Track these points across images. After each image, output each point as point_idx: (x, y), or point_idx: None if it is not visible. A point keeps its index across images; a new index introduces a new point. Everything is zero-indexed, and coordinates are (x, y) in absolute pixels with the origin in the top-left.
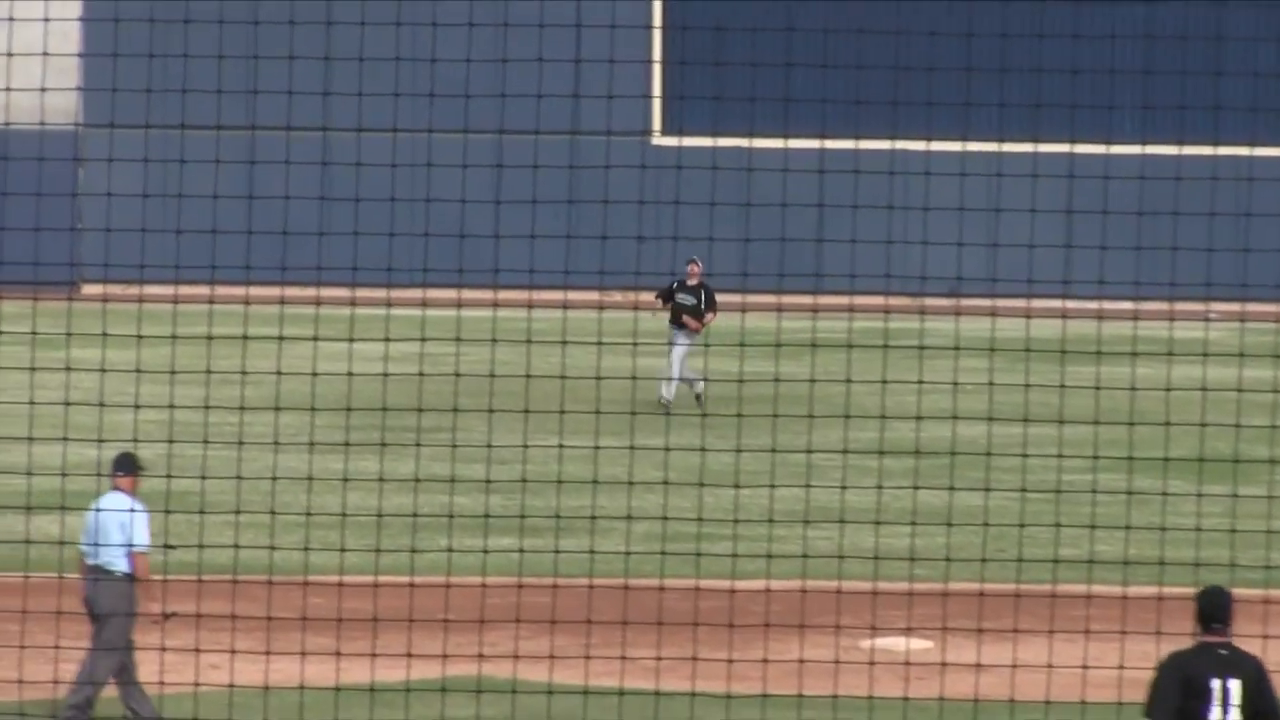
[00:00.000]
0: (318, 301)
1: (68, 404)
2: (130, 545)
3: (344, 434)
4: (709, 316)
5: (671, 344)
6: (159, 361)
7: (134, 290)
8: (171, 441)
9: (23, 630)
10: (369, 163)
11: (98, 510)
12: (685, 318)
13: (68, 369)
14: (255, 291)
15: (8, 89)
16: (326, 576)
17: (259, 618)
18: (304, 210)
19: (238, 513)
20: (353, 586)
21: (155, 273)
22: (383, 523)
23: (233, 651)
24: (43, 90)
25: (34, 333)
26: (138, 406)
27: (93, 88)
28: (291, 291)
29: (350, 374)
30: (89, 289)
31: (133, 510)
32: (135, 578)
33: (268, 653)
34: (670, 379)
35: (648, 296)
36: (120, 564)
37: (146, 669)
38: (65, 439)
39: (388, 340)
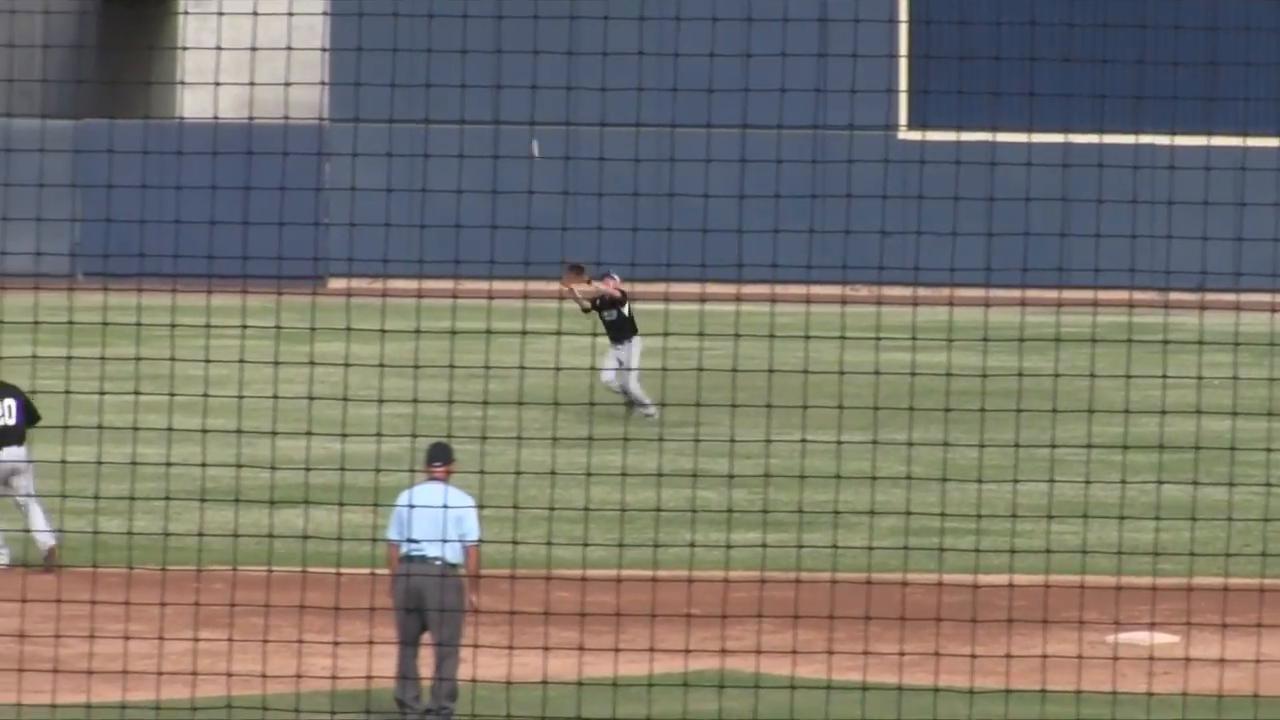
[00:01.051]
0: (560, 296)
1: (311, 398)
2: (465, 539)
3: (588, 428)
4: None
5: (624, 366)
6: (403, 356)
7: (378, 285)
8: (415, 436)
9: (266, 625)
10: (612, 157)
11: (408, 505)
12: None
13: (311, 363)
14: (499, 286)
15: (252, 83)
16: (570, 570)
17: (502, 612)
18: (548, 205)
19: (481, 507)
20: (596, 580)
21: (399, 267)
22: (626, 517)
23: (475, 646)
24: (287, 85)
25: (278, 327)
26: (381, 401)
27: (338, 82)
28: (535, 286)
29: (593, 368)
30: (334, 284)
31: (473, 506)
32: (467, 571)
33: (510, 647)
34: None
35: (891, 291)
36: (456, 558)
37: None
38: (309, 433)
39: (666, 335)
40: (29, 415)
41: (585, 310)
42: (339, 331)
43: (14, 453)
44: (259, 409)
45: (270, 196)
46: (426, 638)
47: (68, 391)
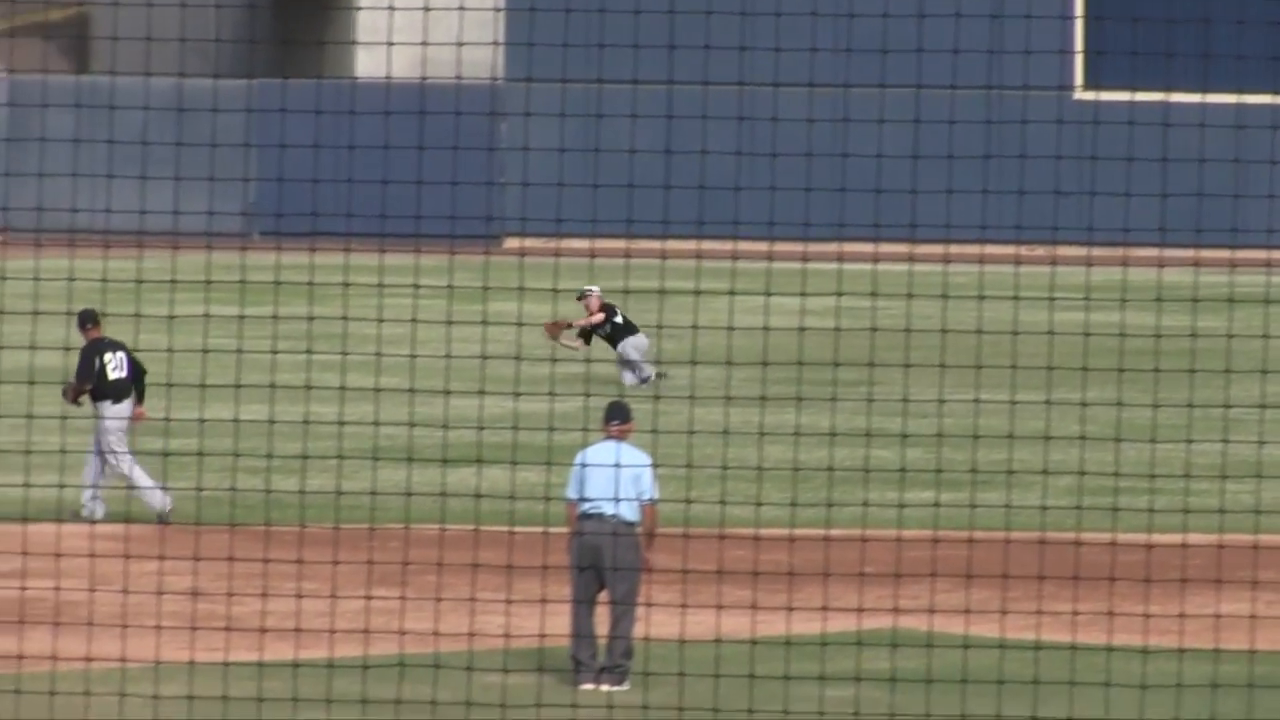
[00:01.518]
0: (734, 256)
1: (485, 357)
2: (642, 498)
3: (760, 387)
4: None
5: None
6: (576, 315)
7: (552, 244)
8: (588, 395)
9: (439, 583)
10: (786, 118)
11: (583, 464)
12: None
13: (485, 322)
14: (672, 245)
15: (425, 43)
16: (743, 529)
17: (676, 571)
18: (720, 165)
19: (655, 466)
20: (770, 539)
21: (573, 226)
22: (800, 476)
23: (649, 604)
24: (459, 44)
25: (451, 286)
26: (554, 360)
27: (512, 42)
28: (708, 245)
29: (766, 328)
30: (508, 243)
31: (650, 465)
32: (644, 530)
33: (684, 606)
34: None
35: (1066, 251)
36: (633, 516)
37: (561, 621)
38: (482, 392)
39: (804, 295)
40: (136, 370)
41: (586, 345)
42: (512, 290)
43: (126, 407)
44: (432, 368)
45: (444, 156)
46: (603, 596)
47: (239, 351)
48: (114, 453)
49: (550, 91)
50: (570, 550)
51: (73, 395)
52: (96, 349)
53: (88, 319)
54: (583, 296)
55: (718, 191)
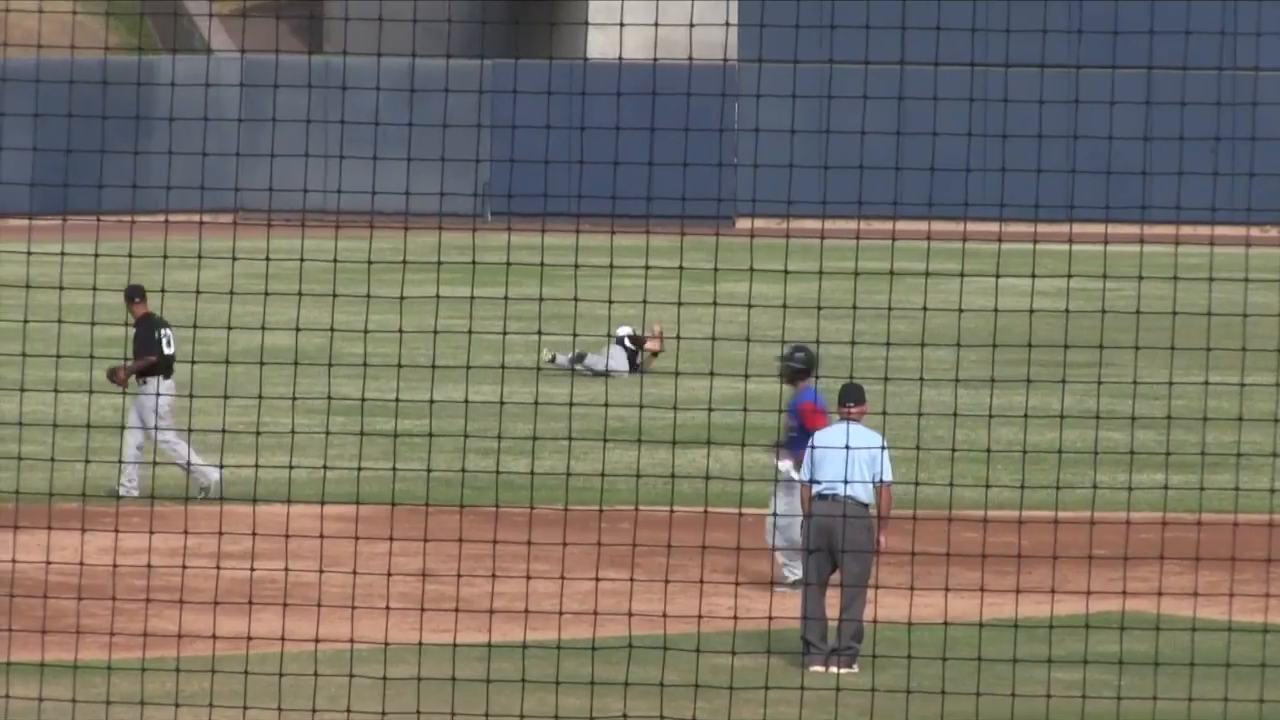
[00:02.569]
0: (964, 237)
1: (715, 339)
2: (877, 479)
3: (989, 369)
4: None
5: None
6: (807, 296)
7: (783, 225)
8: (818, 377)
9: (668, 564)
10: (1017, 99)
11: (816, 446)
12: None
13: (715, 304)
14: (902, 226)
15: (656, 24)
16: (972, 511)
17: (904, 553)
18: (951, 146)
19: (884, 448)
20: (998, 521)
21: (804, 207)
22: (1029, 458)
23: (878, 586)
24: (691, 25)
25: (682, 267)
26: (784, 342)
27: (744, 24)
28: (939, 226)
29: (996, 310)
30: (740, 223)
31: (884, 447)
32: (878, 511)
33: (912, 588)
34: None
35: None
36: (867, 497)
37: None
38: (712, 374)
39: (1034, 276)
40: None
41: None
42: (743, 271)
43: (173, 384)
44: (688, 350)
45: (675, 137)
46: (834, 578)
47: (470, 331)
48: (166, 429)
49: (782, 72)
50: (803, 532)
51: (132, 373)
52: (153, 324)
53: (136, 294)
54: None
55: (949, 173)
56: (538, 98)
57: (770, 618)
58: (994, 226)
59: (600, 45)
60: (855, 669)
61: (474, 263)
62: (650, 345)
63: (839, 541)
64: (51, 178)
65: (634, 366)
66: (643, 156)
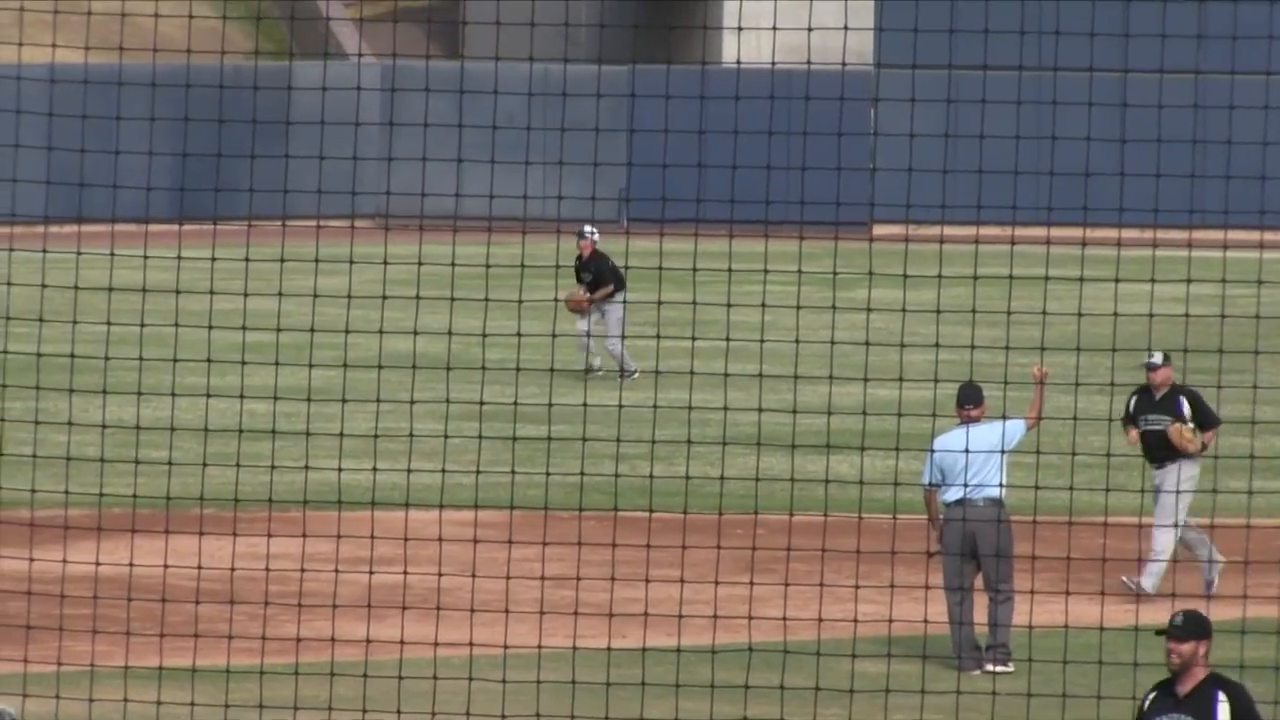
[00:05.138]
0: (1118, 242)
1: (869, 344)
2: (1001, 484)
3: (1109, 374)
4: (603, 292)
5: (604, 333)
6: (956, 302)
7: (930, 231)
8: (936, 381)
9: (821, 570)
10: (1170, 104)
11: (933, 450)
12: (595, 294)
13: (869, 309)
14: (1055, 233)
15: (809, 28)
16: (1127, 517)
17: (1058, 557)
18: (1104, 152)
19: (1038, 453)
20: (1118, 527)
21: (952, 213)
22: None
23: (1032, 592)
24: (839, 29)
25: (835, 273)
26: (938, 345)
27: (888, 28)
28: (1093, 234)
29: (1151, 315)
30: (883, 229)
31: (1001, 451)
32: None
33: (1066, 593)
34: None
35: None
36: (1002, 497)
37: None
38: (866, 379)
39: (1189, 281)
40: None
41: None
42: (892, 277)
43: None
44: (813, 354)
45: (815, 141)
46: (979, 582)
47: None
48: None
49: (926, 77)
50: (941, 537)
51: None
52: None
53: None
54: (580, 236)
55: (1102, 178)
56: (677, 102)
57: (925, 622)
58: (1147, 233)
59: (745, 50)
60: (1010, 668)
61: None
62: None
63: (981, 545)
64: (198, 183)
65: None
66: (783, 161)
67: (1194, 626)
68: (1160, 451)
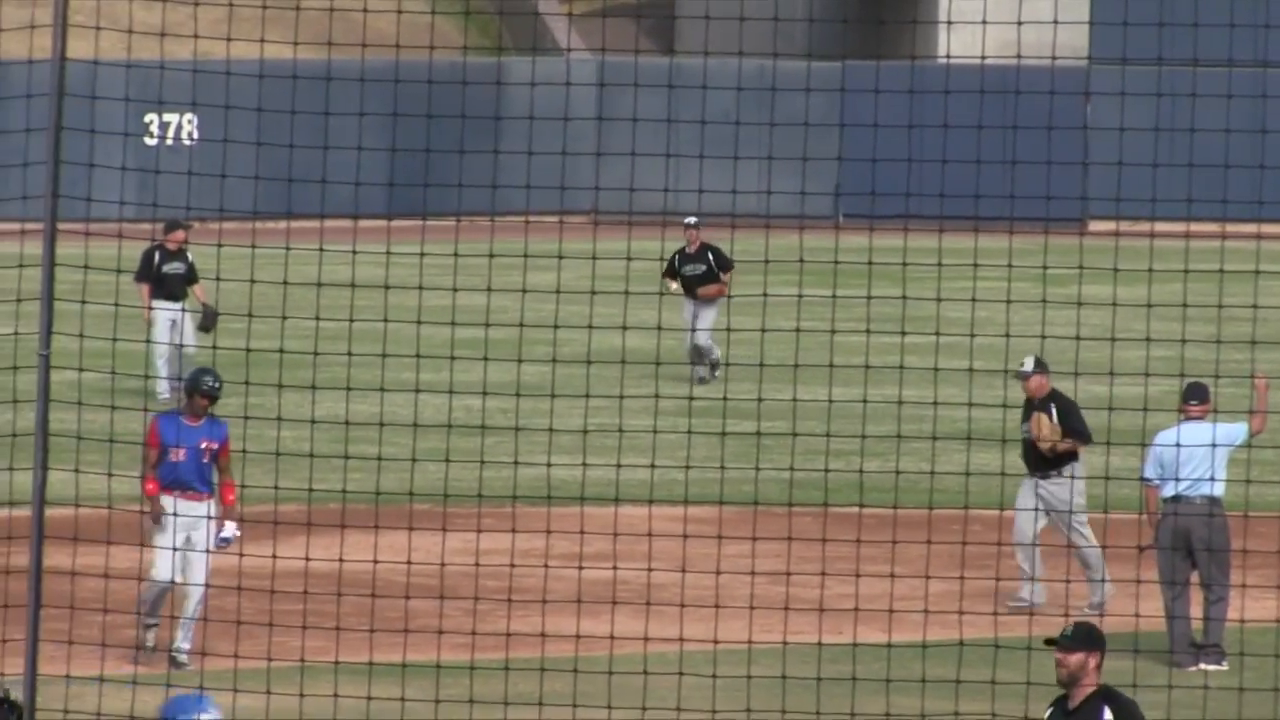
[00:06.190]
0: None
1: (1079, 339)
2: (1220, 482)
3: None
4: (727, 276)
5: (694, 325)
6: (1167, 297)
7: (1143, 226)
8: (1181, 376)
9: (1068, 565)
10: None
11: (1164, 445)
12: (700, 289)
13: (1079, 304)
14: (1268, 229)
15: (1019, 22)
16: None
17: (1270, 552)
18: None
19: (1249, 447)
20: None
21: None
22: None
23: (1244, 586)
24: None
25: (1045, 268)
26: (1149, 340)
27: (1100, 21)
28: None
29: None
30: (1097, 225)
31: (1213, 445)
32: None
33: (1245, 586)
34: (700, 356)
35: None
36: (1221, 494)
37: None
38: (1076, 373)
39: None
40: None
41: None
42: (1104, 273)
43: None
44: (1023, 351)
45: (1031, 137)
46: (1194, 578)
47: (833, 331)
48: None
49: (1139, 72)
50: (1158, 533)
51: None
52: None
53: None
54: (686, 227)
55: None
56: (891, 97)
57: (1137, 616)
58: None
59: (957, 45)
60: (1224, 665)
61: (835, 263)
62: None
63: (1197, 541)
64: (409, 179)
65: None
66: (998, 157)
67: (1082, 637)
68: (1041, 461)
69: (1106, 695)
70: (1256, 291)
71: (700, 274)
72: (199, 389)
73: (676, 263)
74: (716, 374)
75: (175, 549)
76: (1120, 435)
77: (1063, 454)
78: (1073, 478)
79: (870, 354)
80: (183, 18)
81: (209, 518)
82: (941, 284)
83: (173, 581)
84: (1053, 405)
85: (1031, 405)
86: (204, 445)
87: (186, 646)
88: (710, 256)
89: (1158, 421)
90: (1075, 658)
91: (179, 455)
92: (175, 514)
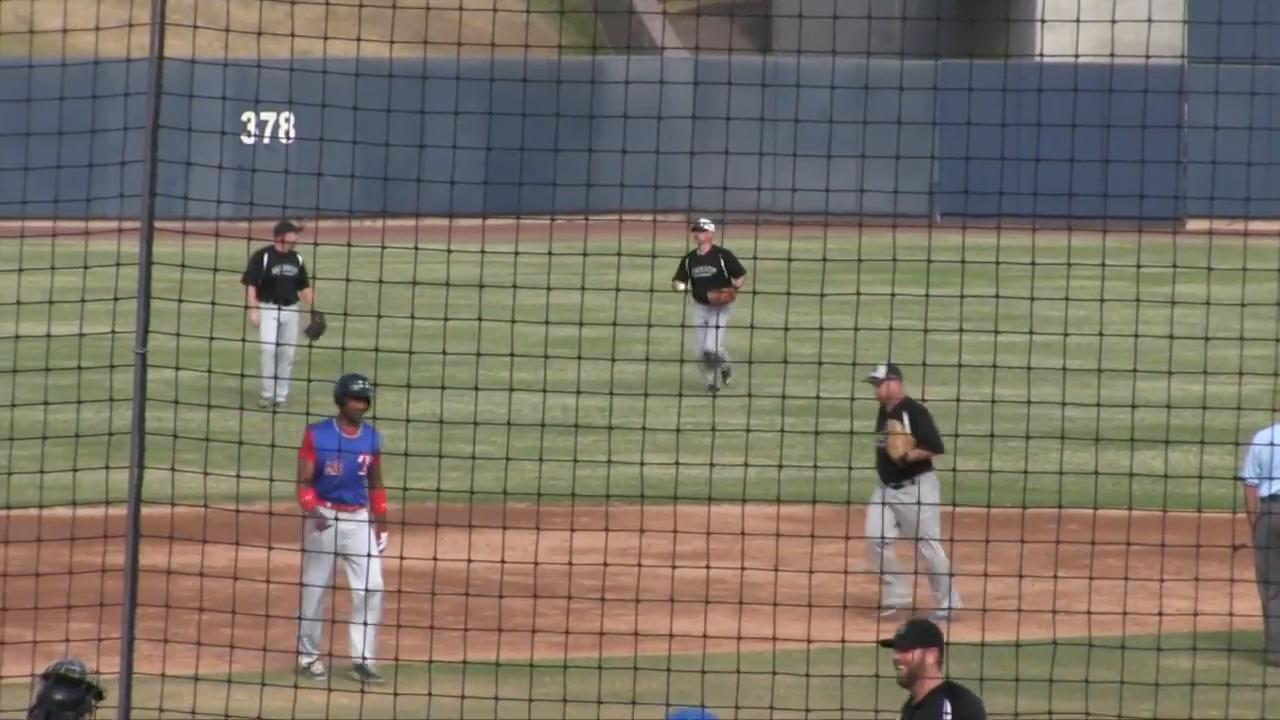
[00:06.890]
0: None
1: (1172, 338)
2: None
3: None
4: (739, 281)
5: (705, 326)
6: (1262, 297)
7: (1239, 226)
8: (1276, 375)
9: (1126, 565)
10: None
11: (1264, 444)
12: (711, 294)
13: (1172, 303)
14: None
15: (1113, 20)
16: None
17: None
18: None
19: (1274, 445)
20: None
21: (1258, 207)
22: None
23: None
24: (1145, 22)
25: (1139, 266)
26: (1243, 339)
27: (1197, 20)
28: None
29: None
30: (1193, 224)
31: None
32: None
33: None
34: (711, 363)
35: None
36: None
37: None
38: (1169, 372)
39: None
40: None
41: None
42: (1198, 271)
43: None
44: (1118, 350)
45: (1127, 136)
46: None
47: (925, 330)
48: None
49: (1237, 71)
50: (1255, 532)
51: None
52: None
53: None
54: (697, 229)
55: None
56: (987, 96)
57: (1230, 615)
58: None
59: (1052, 44)
60: None
61: (929, 261)
62: None
63: None
64: (504, 178)
65: None
66: (1094, 156)
67: (917, 634)
68: (893, 469)
69: (948, 690)
70: None
71: (710, 277)
72: (351, 394)
73: (687, 265)
74: (729, 381)
75: (335, 554)
76: (1214, 434)
77: (914, 463)
78: (919, 496)
79: (964, 352)
80: (280, 16)
81: (369, 522)
82: (1035, 283)
83: (327, 588)
84: (904, 413)
85: (884, 412)
86: (362, 459)
87: (371, 655)
88: (721, 260)
89: (1253, 421)
90: (912, 655)
91: (336, 469)
92: (337, 520)
